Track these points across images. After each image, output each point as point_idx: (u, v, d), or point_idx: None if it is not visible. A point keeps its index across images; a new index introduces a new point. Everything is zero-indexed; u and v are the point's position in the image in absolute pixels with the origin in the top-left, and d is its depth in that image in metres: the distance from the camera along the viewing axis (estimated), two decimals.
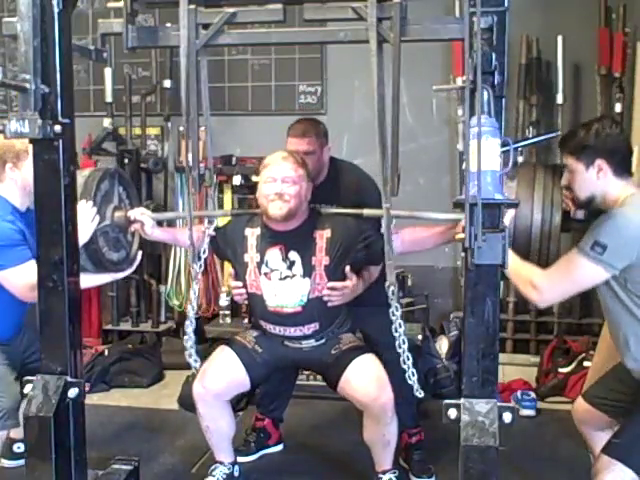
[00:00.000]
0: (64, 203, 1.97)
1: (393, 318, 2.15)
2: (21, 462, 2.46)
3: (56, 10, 1.90)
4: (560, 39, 4.04)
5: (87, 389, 3.29)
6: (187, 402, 3.66)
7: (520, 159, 4.12)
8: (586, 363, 3.73)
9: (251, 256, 2.60)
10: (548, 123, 4.23)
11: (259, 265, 2.58)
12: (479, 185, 1.68)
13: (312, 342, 2.64)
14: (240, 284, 2.62)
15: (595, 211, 2.22)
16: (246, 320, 4.19)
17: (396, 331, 2.16)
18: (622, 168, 2.17)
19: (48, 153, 1.94)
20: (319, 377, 3.68)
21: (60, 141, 1.93)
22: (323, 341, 2.64)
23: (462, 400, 1.80)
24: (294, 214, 2.51)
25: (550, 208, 2.22)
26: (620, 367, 2.29)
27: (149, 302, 4.72)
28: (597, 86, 4.14)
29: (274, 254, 2.57)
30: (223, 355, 2.70)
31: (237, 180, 4.39)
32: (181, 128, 4.60)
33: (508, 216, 2.02)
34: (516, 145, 2.03)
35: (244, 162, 4.52)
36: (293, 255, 2.55)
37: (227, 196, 4.51)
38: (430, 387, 3.70)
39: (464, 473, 1.76)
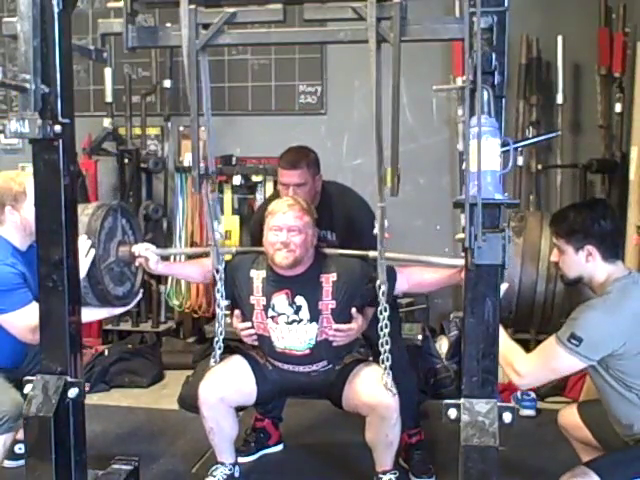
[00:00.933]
0: (64, 203, 1.97)
1: (380, 317, 2.17)
2: (22, 462, 2.45)
3: (56, 10, 1.91)
4: (560, 39, 4.04)
5: (87, 389, 3.29)
6: (187, 402, 3.66)
7: (520, 159, 4.13)
8: None
9: (257, 299, 2.60)
10: (548, 123, 4.22)
11: (266, 308, 2.58)
12: (479, 185, 1.68)
13: (320, 369, 2.66)
14: (249, 325, 2.61)
15: None
16: None
17: (381, 330, 2.17)
18: (611, 252, 2.20)
19: (48, 153, 1.94)
20: None
21: (60, 141, 1.93)
22: (331, 366, 2.66)
23: (462, 400, 1.80)
24: (300, 262, 2.52)
25: (554, 278, 2.29)
26: None
27: (149, 302, 4.71)
28: (597, 86, 4.13)
29: (280, 299, 2.57)
30: (234, 362, 2.70)
31: (237, 180, 4.39)
32: (181, 128, 4.62)
33: (502, 288, 2.06)
34: (516, 145, 2.04)
35: (244, 162, 4.52)
36: (300, 300, 2.55)
37: (227, 196, 4.51)
38: (430, 387, 3.71)
39: (464, 473, 1.76)
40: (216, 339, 2.60)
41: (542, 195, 4.32)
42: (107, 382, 3.97)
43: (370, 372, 2.57)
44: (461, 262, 1.99)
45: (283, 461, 3.09)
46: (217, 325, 2.57)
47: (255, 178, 4.41)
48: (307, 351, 2.58)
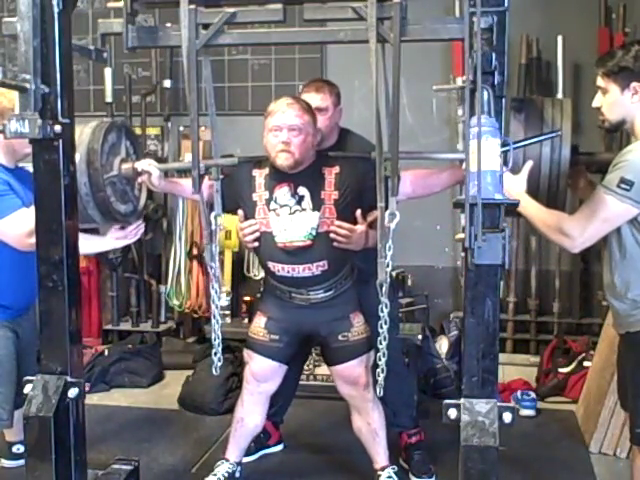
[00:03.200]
0: (64, 203, 1.97)
1: (381, 314, 2.15)
2: (21, 462, 2.45)
3: (56, 10, 1.90)
4: (560, 39, 4.05)
5: (87, 389, 3.30)
6: (187, 402, 3.67)
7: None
8: (586, 363, 3.74)
9: (260, 194, 2.56)
10: None
11: (268, 202, 2.54)
12: (479, 185, 1.68)
13: (320, 292, 2.57)
14: (253, 222, 2.55)
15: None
16: (246, 320, 4.19)
17: (381, 327, 2.15)
18: None
19: (48, 153, 1.94)
20: (319, 377, 3.71)
21: (60, 141, 1.93)
22: (331, 293, 2.58)
23: (462, 400, 1.80)
24: (301, 163, 2.48)
25: (559, 143, 2.17)
26: None
27: (149, 302, 4.72)
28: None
29: (283, 191, 2.53)
30: (258, 364, 2.68)
31: None
32: (181, 128, 4.62)
33: (527, 165, 2.09)
34: (516, 145, 2.03)
35: None
36: (302, 190, 2.51)
37: None
38: (430, 387, 3.71)
39: (464, 473, 1.76)
40: (215, 344, 2.46)
41: None
42: (107, 382, 3.98)
43: (355, 372, 2.59)
44: (462, 156, 1.92)
45: (283, 461, 3.10)
46: (214, 326, 2.43)
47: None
48: (308, 242, 2.49)
